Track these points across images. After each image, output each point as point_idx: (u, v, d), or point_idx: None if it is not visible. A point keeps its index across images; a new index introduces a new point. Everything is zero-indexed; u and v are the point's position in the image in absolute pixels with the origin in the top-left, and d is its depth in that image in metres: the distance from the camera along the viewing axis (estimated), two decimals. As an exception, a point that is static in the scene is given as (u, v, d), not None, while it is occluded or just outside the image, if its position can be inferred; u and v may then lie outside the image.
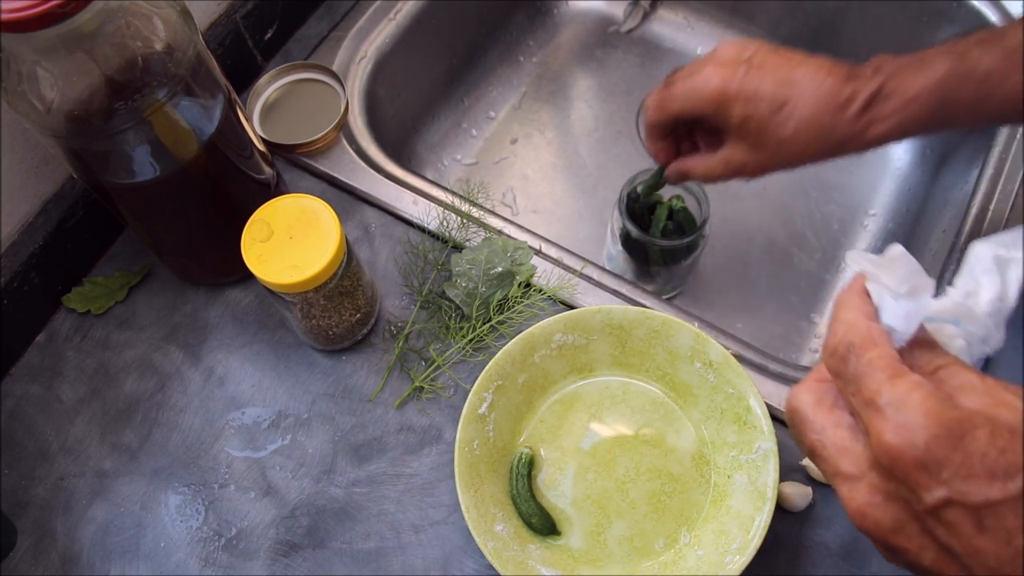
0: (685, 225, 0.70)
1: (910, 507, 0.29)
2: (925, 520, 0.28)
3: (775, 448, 0.53)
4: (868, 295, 0.33)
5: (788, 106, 0.50)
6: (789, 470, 0.58)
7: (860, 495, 0.30)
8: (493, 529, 0.54)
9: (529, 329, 0.58)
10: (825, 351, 0.33)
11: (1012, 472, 0.26)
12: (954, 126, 0.51)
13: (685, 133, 0.61)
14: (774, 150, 0.52)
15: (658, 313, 0.58)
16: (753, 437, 0.55)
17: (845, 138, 0.50)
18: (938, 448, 0.27)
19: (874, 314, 0.33)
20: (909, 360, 0.32)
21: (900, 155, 0.86)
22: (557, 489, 0.57)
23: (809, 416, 0.33)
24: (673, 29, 0.95)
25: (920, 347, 0.33)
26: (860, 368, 0.31)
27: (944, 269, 0.65)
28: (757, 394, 0.55)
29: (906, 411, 0.28)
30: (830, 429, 0.32)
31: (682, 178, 0.61)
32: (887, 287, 0.33)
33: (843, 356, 0.32)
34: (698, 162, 0.58)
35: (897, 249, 0.33)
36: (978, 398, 0.29)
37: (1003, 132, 0.70)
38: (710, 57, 0.54)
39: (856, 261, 0.35)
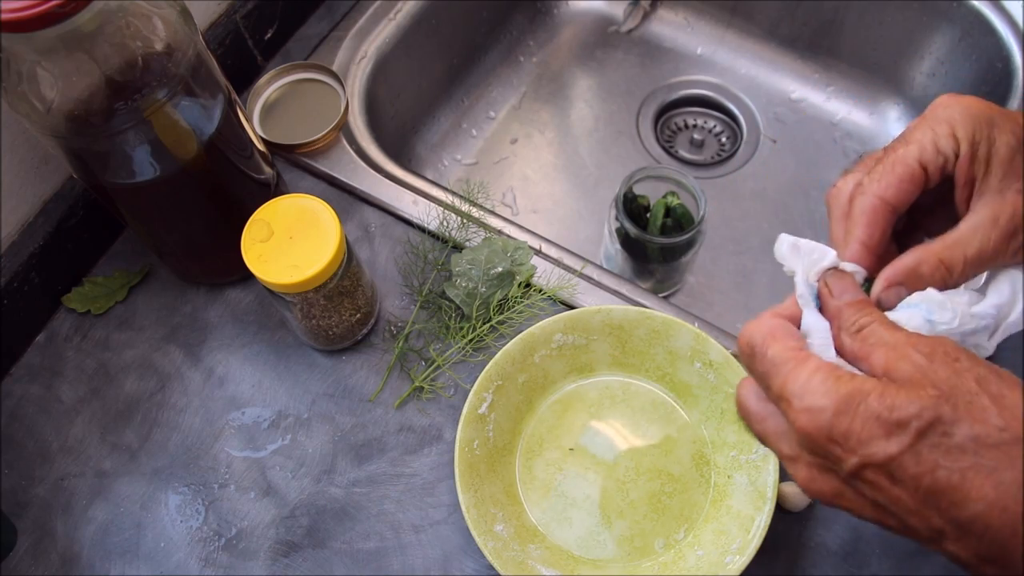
0: (683, 222, 0.70)
1: (839, 476, 0.32)
2: (852, 484, 0.32)
3: (775, 448, 0.54)
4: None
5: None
6: (789, 470, 0.58)
7: (801, 472, 0.33)
8: (493, 529, 0.54)
9: (529, 329, 0.58)
10: (738, 347, 0.36)
11: (900, 426, 0.29)
12: None
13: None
14: None
15: (658, 313, 0.58)
16: (753, 437, 0.55)
17: None
18: (840, 422, 0.30)
19: (778, 309, 0.36)
20: (837, 320, 0.34)
21: (900, 155, 0.86)
22: (557, 489, 0.57)
23: (752, 408, 0.36)
24: (673, 29, 0.95)
25: (851, 307, 0.35)
26: (765, 366, 0.34)
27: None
28: (757, 394, 0.55)
29: (809, 396, 0.31)
30: (769, 418, 0.35)
31: (918, 284, 0.37)
32: (801, 278, 0.37)
33: (749, 355, 0.35)
34: (945, 249, 0.36)
35: (784, 244, 0.37)
36: (884, 354, 0.32)
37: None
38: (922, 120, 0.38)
39: (784, 259, 0.38)
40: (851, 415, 0.30)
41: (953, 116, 0.36)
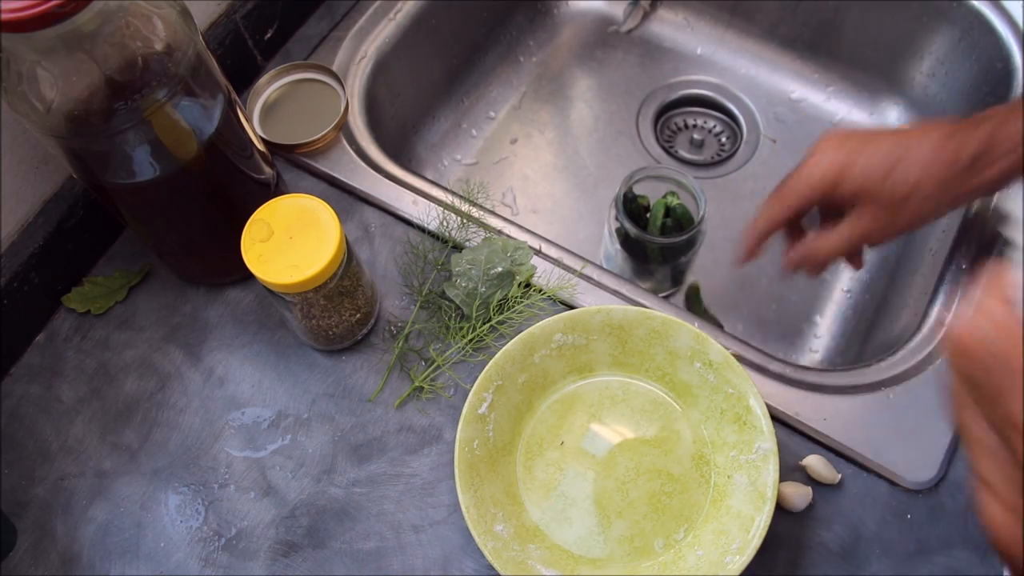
0: (683, 222, 0.70)
1: None
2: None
3: (775, 448, 0.53)
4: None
5: (901, 165, 0.51)
6: (789, 470, 0.58)
7: (997, 512, 0.28)
8: (493, 529, 0.54)
9: (529, 329, 0.58)
10: (953, 350, 0.28)
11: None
12: None
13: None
14: (896, 211, 0.53)
15: (658, 313, 0.58)
16: (753, 437, 0.55)
17: (962, 186, 0.51)
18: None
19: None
20: None
21: (900, 155, 0.86)
22: (557, 489, 0.57)
23: (981, 438, 0.28)
24: (673, 29, 0.95)
25: None
26: (1003, 383, 0.26)
27: (944, 269, 0.65)
28: (757, 394, 0.55)
29: None
30: (988, 444, 0.28)
31: (805, 263, 0.60)
32: None
33: (983, 363, 0.27)
34: (821, 242, 0.57)
35: None
36: None
37: (1003, 132, 0.70)
38: (815, 148, 0.56)
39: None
40: None
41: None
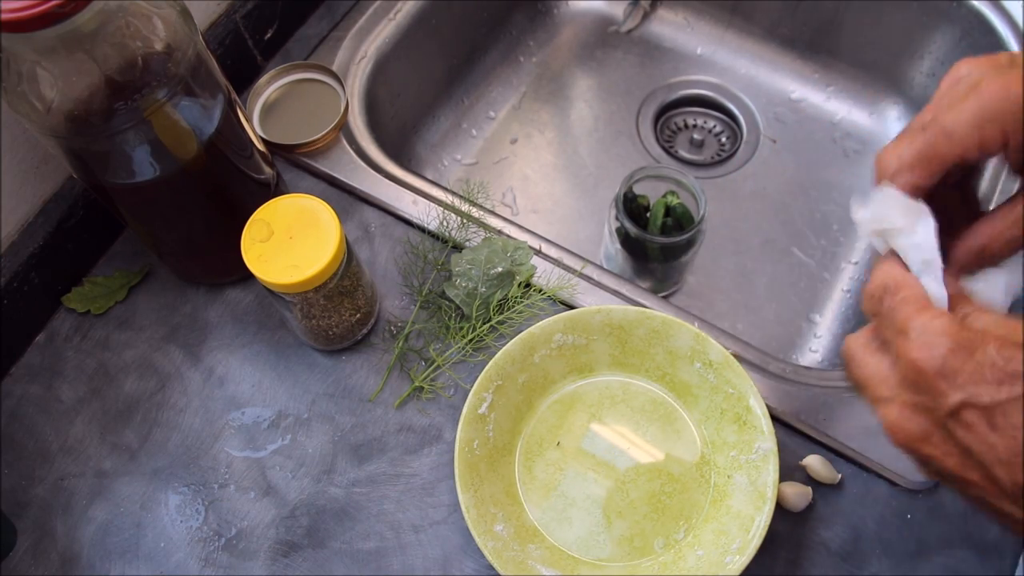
0: (683, 222, 0.70)
1: (933, 416, 0.33)
2: (947, 424, 0.32)
3: (775, 448, 0.53)
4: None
5: None
6: (789, 470, 0.58)
7: (893, 412, 0.34)
8: (493, 529, 0.54)
9: (529, 329, 0.58)
10: (864, 296, 0.37)
11: (1015, 377, 0.30)
12: None
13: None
14: None
15: (658, 313, 0.58)
16: (753, 437, 0.55)
17: None
18: (954, 359, 0.32)
19: (906, 268, 0.36)
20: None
21: (900, 155, 0.86)
22: (557, 489, 0.57)
23: (857, 355, 0.37)
24: (673, 29, 0.95)
25: (951, 300, 0.36)
26: (894, 304, 0.35)
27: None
28: (757, 394, 0.55)
29: (928, 333, 0.33)
30: (872, 364, 0.36)
31: (982, 259, 0.38)
32: (897, 230, 0.36)
33: (879, 297, 0.36)
34: (1000, 225, 0.37)
35: (881, 194, 0.36)
36: (995, 326, 0.33)
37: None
38: (958, 77, 0.37)
39: (864, 224, 0.38)
40: (967, 356, 0.31)
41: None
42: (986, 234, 0.37)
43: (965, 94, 0.35)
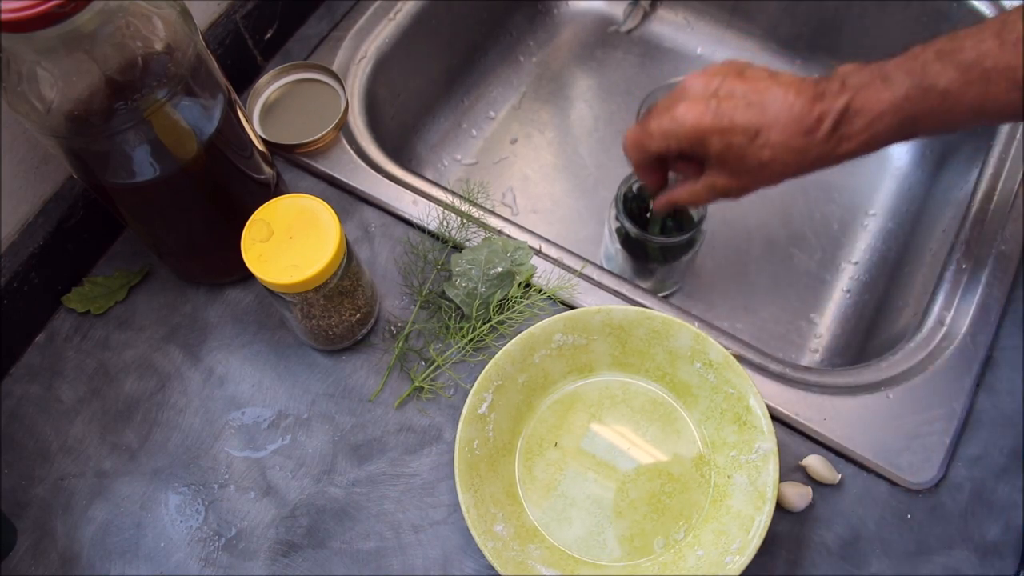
0: (683, 222, 0.70)
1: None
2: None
3: (775, 448, 0.53)
4: None
5: (762, 134, 0.53)
6: (789, 470, 0.58)
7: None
8: (493, 529, 0.54)
9: (529, 329, 0.58)
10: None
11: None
12: (922, 136, 0.54)
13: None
14: (755, 174, 0.55)
15: (658, 313, 0.58)
16: (753, 437, 0.55)
17: (818, 157, 0.54)
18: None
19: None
20: None
21: (900, 155, 0.86)
22: (557, 489, 0.57)
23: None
24: (673, 29, 0.95)
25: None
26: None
27: (944, 269, 0.65)
28: (757, 394, 0.55)
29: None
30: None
31: (670, 207, 0.62)
32: None
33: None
34: (683, 191, 0.59)
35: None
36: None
37: (1003, 131, 0.70)
38: (680, 93, 0.56)
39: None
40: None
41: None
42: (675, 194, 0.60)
43: (668, 107, 0.55)
